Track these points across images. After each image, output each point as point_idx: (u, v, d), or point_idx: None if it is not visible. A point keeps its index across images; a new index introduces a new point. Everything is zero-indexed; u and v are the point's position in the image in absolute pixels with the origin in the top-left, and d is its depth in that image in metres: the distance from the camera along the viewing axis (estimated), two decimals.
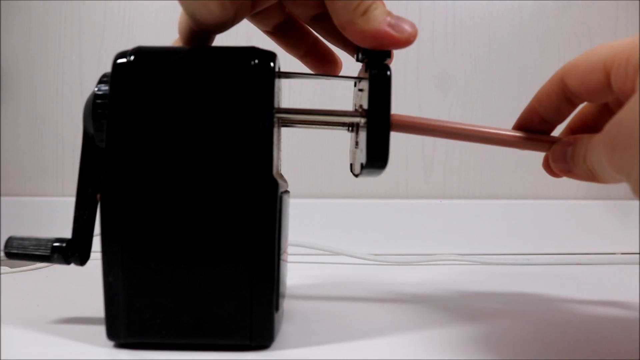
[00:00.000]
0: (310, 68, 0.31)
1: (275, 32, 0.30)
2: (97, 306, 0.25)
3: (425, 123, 0.25)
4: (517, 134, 0.26)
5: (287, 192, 0.27)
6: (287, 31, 0.30)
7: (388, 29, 0.22)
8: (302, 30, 0.30)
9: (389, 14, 0.23)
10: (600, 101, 0.24)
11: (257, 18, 0.29)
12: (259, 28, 0.30)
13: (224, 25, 0.25)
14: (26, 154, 0.61)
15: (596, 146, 0.22)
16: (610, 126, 0.20)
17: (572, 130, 0.28)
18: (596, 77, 0.22)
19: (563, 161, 0.25)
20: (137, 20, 0.60)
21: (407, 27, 0.22)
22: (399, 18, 0.23)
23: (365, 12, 0.22)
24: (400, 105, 0.60)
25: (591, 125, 0.27)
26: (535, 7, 0.61)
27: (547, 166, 0.26)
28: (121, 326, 0.24)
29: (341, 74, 0.31)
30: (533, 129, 0.27)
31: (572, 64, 0.24)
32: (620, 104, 0.24)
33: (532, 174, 0.61)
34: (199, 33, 0.26)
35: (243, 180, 0.23)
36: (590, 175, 0.23)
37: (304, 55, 0.31)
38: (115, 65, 0.24)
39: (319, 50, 0.31)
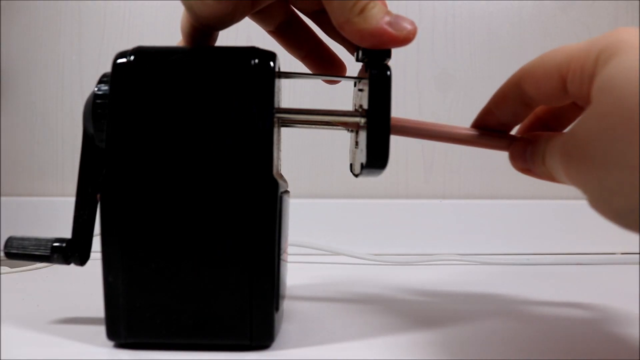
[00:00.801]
0: (312, 70, 0.31)
1: (278, 32, 0.30)
2: (97, 306, 0.25)
3: None
4: (475, 132, 0.26)
5: (287, 192, 0.27)
6: (290, 31, 0.30)
7: (386, 27, 0.22)
8: (305, 30, 0.30)
9: (388, 12, 0.22)
10: (557, 105, 0.23)
11: (260, 16, 0.29)
12: (262, 27, 0.30)
13: (223, 19, 0.24)
14: (26, 154, 0.61)
15: (554, 153, 0.21)
16: (567, 137, 0.20)
17: (531, 124, 0.27)
18: (552, 83, 0.22)
19: (522, 160, 0.25)
20: (137, 20, 0.60)
21: (406, 25, 0.22)
22: (397, 16, 0.22)
23: (362, 10, 0.22)
24: (400, 105, 0.60)
25: (550, 120, 0.27)
26: (535, 7, 0.61)
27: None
28: (121, 326, 0.24)
29: None
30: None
31: (528, 68, 0.23)
32: (578, 106, 0.24)
33: None
34: (200, 31, 0.26)
35: (243, 181, 0.23)
36: (550, 177, 0.23)
37: (306, 56, 0.31)
38: (115, 65, 0.24)
39: (322, 53, 0.31)
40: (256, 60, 0.23)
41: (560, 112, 0.26)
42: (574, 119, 0.26)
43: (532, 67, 0.23)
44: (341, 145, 0.60)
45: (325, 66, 0.31)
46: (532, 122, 0.27)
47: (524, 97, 0.24)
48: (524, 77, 0.23)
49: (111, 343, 0.24)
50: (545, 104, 0.24)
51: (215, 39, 0.27)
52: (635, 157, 0.17)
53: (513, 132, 0.27)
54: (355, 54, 0.26)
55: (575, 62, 0.20)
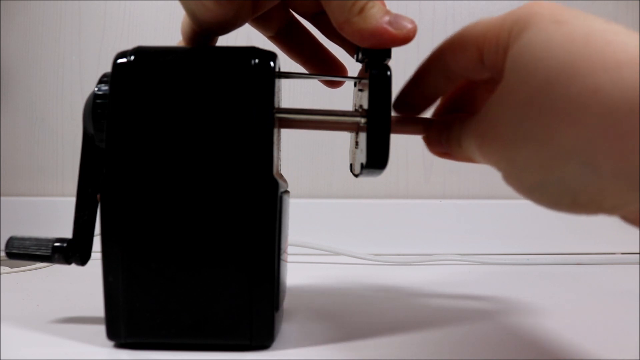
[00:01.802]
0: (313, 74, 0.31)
1: (278, 37, 0.30)
2: (97, 306, 0.25)
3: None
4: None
5: (287, 192, 0.27)
6: (290, 36, 0.30)
7: (386, 26, 0.22)
8: (305, 35, 0.30)
9: (387, 11, 0.22)
10: (477, 78, 0.23)
11: (260, 22, 0.29)
12: (262, 33, 0.30)
13: (224, 24, 0.25)
14: (26, 154, 0.61)
15: (469, 134, 0.21)
16: (480, 116, 0.20)
17: (445, 108, 0.27)
18: (470, 55, 0.22)
19: (439, 145, 0.25)
20: (137, 20, 0.60)
21: (406, 24, 0.22)
22: (397, 15, 0.22)
23: (361, 10, 0.22)
24: None
25: (467, 98, 0.26)
26: None
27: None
28: (121, 326, 0.24)
29: None
30: (413, 103, 0.26)
31: (448, 40, 0.23)
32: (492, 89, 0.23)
33: None
34: (200, 35, 0.26)
35: (243, 181, 0.23)
36: (468, 158, 0.23)
37: (307, 60, 0.31)
38: (115, 65, 0.24)
39: (323, 57, 0.31)
40: (256, 60, 0.23)
41: (474, 94, 0.26)
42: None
43: (452, 39, 0.23)
44: (341, 145, 0.60)
45: (327, 70, 0.31)
46: (446, 106, 0.27)
47: (446, 69, 0.24)
48: (445, 49, 0.23)
49: (111, 343, 0.24)
50: (465, 76, 0.24)
51: (215, 42, 0.27)
52: (541, 133, 0.17)
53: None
54: (355, 54, 0.26)
55: (490, 34, 0.20)
